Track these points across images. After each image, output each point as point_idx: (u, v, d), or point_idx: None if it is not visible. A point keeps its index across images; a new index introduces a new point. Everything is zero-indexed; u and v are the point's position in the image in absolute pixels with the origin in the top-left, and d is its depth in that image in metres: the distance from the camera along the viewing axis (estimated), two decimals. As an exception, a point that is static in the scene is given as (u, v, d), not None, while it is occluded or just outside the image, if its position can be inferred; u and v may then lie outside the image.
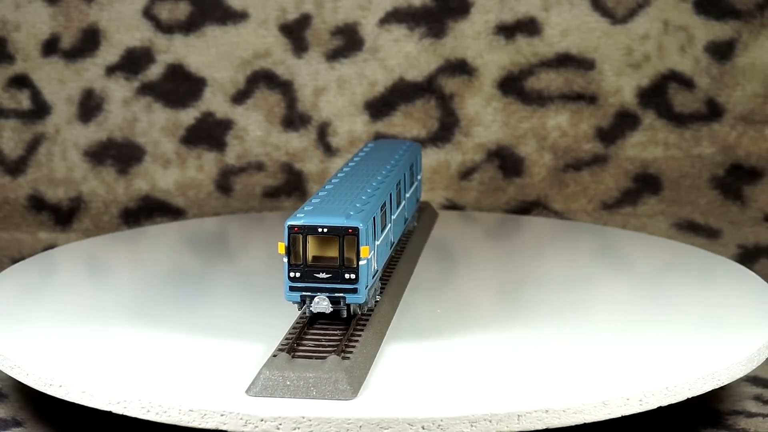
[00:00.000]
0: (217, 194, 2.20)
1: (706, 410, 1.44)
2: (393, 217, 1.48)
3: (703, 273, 1.66)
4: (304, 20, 2.23)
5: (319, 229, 1.25)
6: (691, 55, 2.21)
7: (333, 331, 1.30)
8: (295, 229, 1.26)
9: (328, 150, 2.22)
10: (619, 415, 1.19)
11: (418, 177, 1.75)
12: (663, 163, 2.20)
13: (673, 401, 1.23)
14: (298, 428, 1.12)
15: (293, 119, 2.23)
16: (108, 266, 1.75)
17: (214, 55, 2.23)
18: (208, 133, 2.23)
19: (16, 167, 2.21)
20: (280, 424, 1.12)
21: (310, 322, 1.31)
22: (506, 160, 2.22)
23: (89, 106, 2.23)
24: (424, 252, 1.71)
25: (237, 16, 2.23)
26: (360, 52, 2.23)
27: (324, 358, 1.22)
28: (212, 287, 1.59)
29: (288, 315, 1.37)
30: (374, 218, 1.33)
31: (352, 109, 2.23)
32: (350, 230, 1.25)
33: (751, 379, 1.53)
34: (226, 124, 2.23)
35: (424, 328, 1.39)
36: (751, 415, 1.43)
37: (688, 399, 1.25)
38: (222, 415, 1.13)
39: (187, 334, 1.36)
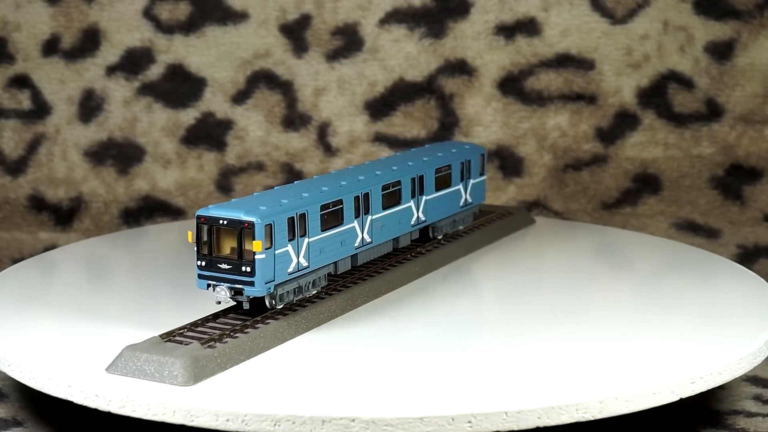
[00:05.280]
0: (218, 194, 2.20)
1: (705, 410, 1.44)
2: (371, 217, 1.49)
3: (703, 273, 1.66)
4: (304, 20, 2.23)
5: (221, 221, 1.31)
6: (690, 56, 2.21)
7: (237, 321, 1.33)
8: (202, 219, 1.32)
9: (328, 150, 2.22)
10: None
11: (471, 181, 1.73)
12: (663, 163, 2.20)
13: (526, 427, 1.16)
14: (124, 407, 1.19)
15: (293, 119, 2.23)
16: (108, 266, 1.75)
17: (215, 56, 2.23)
18: (209, 133, 2.23)
19: (16, 167, 2.21)
20: (110, 401, 1.19)
21: (226, 311, 1.35)
22: (506, 160, 2.22)
23: (89, 106, 2.23)
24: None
25: (237, 17, 2.23)
26: (360, 52, 2.23)
27: (189, 344, 1.25)
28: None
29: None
30: (303, 216, 1.35)
31: (352, 109, 2.23)
32: (246, 224, 1.29)
33: (751, 378, 1.53)
34: (226, 125, 2.23)
35: (359, 328, 1.38)
36: (750, 414, 1.43)
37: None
38: (69, 387, 1.22)
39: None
